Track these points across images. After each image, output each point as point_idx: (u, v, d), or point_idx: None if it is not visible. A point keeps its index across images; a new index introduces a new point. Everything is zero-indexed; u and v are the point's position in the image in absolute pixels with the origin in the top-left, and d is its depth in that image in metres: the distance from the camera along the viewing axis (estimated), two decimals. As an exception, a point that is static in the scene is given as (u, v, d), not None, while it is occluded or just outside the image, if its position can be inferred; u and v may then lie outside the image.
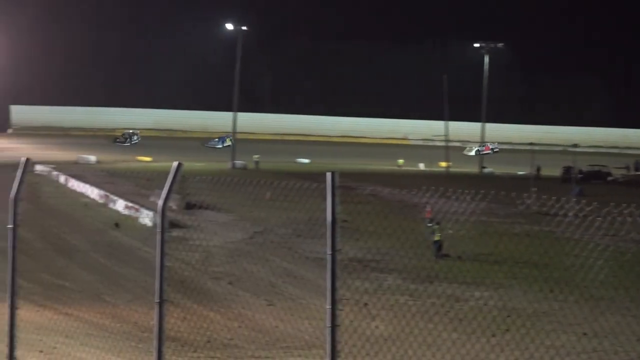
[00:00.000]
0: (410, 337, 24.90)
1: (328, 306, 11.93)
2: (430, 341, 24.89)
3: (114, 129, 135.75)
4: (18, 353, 14.33)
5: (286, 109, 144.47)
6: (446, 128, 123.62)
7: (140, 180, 66.01)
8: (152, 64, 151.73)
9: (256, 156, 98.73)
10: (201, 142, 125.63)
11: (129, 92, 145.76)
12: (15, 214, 14.31)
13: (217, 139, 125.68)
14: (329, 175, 12.19)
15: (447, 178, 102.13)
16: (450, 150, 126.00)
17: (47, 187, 65.16)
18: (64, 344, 21.79)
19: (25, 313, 14.55)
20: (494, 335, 28.52)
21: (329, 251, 11.91)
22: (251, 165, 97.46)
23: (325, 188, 11.97)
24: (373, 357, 24.42)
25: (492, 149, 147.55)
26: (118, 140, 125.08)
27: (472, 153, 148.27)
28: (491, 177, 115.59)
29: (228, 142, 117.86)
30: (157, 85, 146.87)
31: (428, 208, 51.24)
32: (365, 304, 31.83)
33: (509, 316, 33.15)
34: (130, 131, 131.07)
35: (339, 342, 11.94)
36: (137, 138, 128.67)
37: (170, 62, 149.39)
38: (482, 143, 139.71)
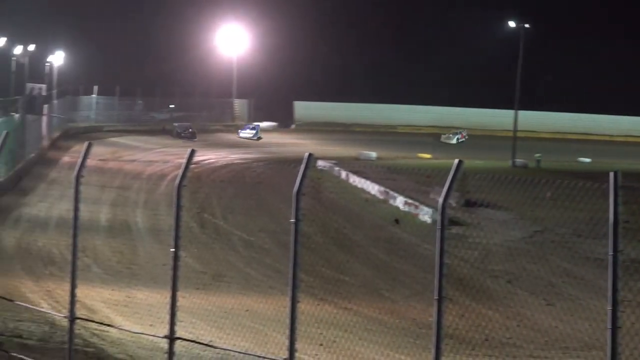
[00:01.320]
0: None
1: (609, 307, 11.78)
2: None
3: (395, 126, 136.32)
4: (298, 346, 14.55)
5: (566, 107, 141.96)
6: None
7: (420, 177, 66.20)
8: (429, 62, 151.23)
9: (537, 155, 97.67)
10: (434, 138, 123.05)
11: (406, 89, 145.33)
12: (297, 209, 14.54)
13: (451, 134, 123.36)
14: (611, 174, 12.03)
15: None
16: None
17: (328, 182, 65.96)
18: (343, 338, 22.09)
19: (305, 306, 14.77)
20: None
21: (610, 252, 11.77)
22: (532, 164, 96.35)
23: (607, 188, 11.83)
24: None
25: None
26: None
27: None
28: None
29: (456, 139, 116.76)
30: (433, 83, 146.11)
31: None
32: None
33: None
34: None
35: (620, 345, 11.78)
36: (460, 138, 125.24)
37: (448, 59, 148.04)
38: None
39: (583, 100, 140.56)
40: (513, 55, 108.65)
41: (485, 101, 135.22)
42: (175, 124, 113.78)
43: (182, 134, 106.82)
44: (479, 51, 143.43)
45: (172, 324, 15.88)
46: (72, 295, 17.46)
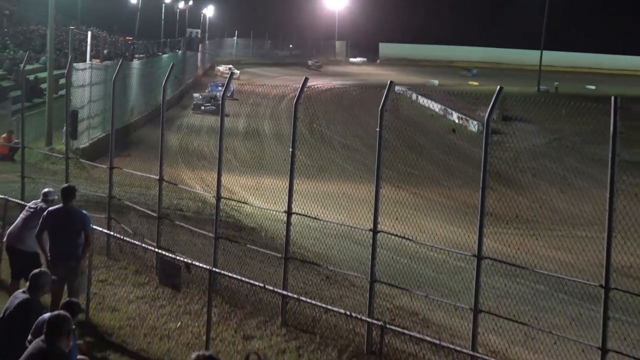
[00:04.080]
0: None
1: (608, 195, 11.70)
2: None
3: (453, 61, 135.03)
4: (380, 219, 14.58)
5: (580, 48, 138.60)
6: None
7: (470, 99, 65.68)
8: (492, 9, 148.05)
9: (556, 83, 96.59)
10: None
11: (474, 31, 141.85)
12: (381, 121, 14.48)
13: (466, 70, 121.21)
14: (613, 98, 11.82)
15: None
16: None
17: (403, 102, 65.60)
18: (412, 215, 21.94)
19: (385, 191, 14.73)
20: None
21: (610, 155, 11.65)
22: (552, 90, 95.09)
23: (609, 108, 11.66)
24: None
25: None
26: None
27: None
28: None
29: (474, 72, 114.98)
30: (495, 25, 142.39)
31: None
32: None
33: None
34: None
35: (614, 221, 11.69)
36: (474, 72, 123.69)
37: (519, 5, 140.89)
38: None
39: (594, 42, 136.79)
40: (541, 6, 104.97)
41: (519, 43, 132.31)
42: (309, 61, 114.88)
43: (313, 67, 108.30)
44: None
45: (290, 202, 15.96)
46: (219, 181, 17.60)
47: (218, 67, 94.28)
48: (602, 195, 12.07)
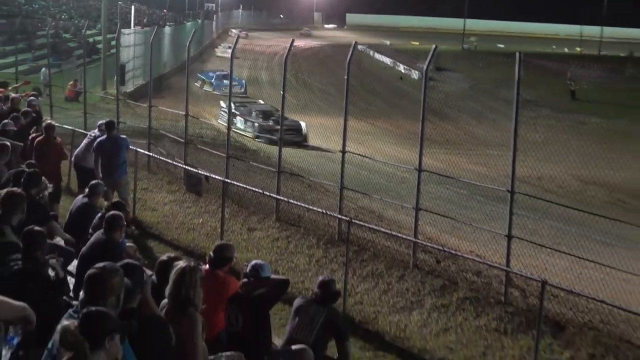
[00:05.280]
0: None
1: (513, 124, 11.61)
2: None
3: (399, 28, 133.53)
4: (348, 143, 14.50)
5: (497, 16, 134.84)
6: None
7: (413, 54, 65.29)
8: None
9: (474, 39, 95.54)
10: None
11: (417, 4, 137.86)
12: (348, 72, 14.30)
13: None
14: (517, 54, 11.70)
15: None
16: None
17: (363, 57, 64.97)
18: (370, 140, 21.88)
19: (351, 123, 14.63)
20: None
21: (515, 95, 11.52)
22: (472, 48, 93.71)
23: (514, 60, 11.52)
24: None
25: None
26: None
27: None
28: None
29: None
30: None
31: None
32: None
33: None
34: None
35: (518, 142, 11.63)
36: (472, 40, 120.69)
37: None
38: None
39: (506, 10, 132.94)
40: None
41: (448, 12, 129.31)
42: (304, 28, 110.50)
43: (304, 33, 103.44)
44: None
45: (281, 131, 15.79)
46: (229, 115, 17.39)
47: (232, 29, 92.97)
48: (509, 125, 12.02)
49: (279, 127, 17.88)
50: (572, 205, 14.85)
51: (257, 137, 28.35)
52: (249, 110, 31.71)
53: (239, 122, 29.82)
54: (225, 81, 38.53)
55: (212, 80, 44.75)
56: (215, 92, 41.70)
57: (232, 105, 20.36)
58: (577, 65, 55.74)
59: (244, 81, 44.30)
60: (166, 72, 41.81)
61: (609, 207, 20.50)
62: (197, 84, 43.65)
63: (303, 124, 28.13)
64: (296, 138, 25.21)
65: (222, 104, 31.49)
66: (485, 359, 9.74)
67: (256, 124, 29.79)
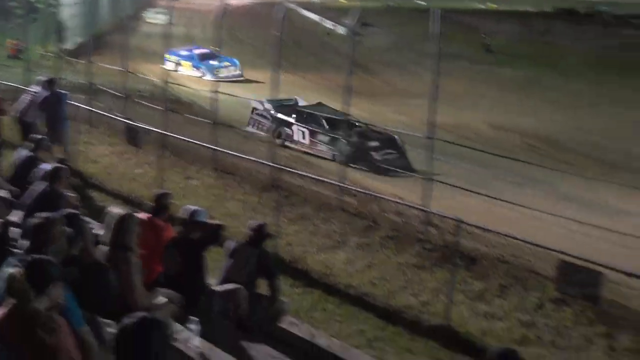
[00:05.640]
0: None
1: (435, 81, 11.65)
2: None
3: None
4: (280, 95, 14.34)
5: None
6: None
7: (340, 11, 64.82)
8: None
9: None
10: None
11: None
12: (280, 29, 14.15)
13: None
14: (437, 11, 11.68)
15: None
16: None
17: (293, 14, 64.11)
18: (301, 92, 21.67)
19: (284, 77, 14.53)
20: None
21: (436, 51, 11.53)
22: (394, 4, 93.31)
23: (434, 18, 11.47)
24: None
25: None
26: None
27: None
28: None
29: None
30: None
31: None
32: None
33: None
34: None
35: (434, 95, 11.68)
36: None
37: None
38: None
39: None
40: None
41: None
42: None
43: None
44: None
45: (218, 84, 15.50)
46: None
47: None
48: (430, 76, 12.08)
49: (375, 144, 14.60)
50: (486, 150, 15.13)
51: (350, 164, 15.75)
52: (316, 119, 19.50)
53: (305, 137, 19.20)
54: (212, 62, 31.19)
55: (193, 62, 33.46)
56: (208, 79, 29.03)
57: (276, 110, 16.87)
58: (492, 20, 56.24)
59: (236, 60, 34.05)
60: (105, 29, 40.73)
61: (520, 151, 20.95)
62: (168, 66, 29.15)
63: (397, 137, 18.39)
64: (397, 161, 16.95)
65: (256, 104, 21.75)
66: (405, 291, 9.93)
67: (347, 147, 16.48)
